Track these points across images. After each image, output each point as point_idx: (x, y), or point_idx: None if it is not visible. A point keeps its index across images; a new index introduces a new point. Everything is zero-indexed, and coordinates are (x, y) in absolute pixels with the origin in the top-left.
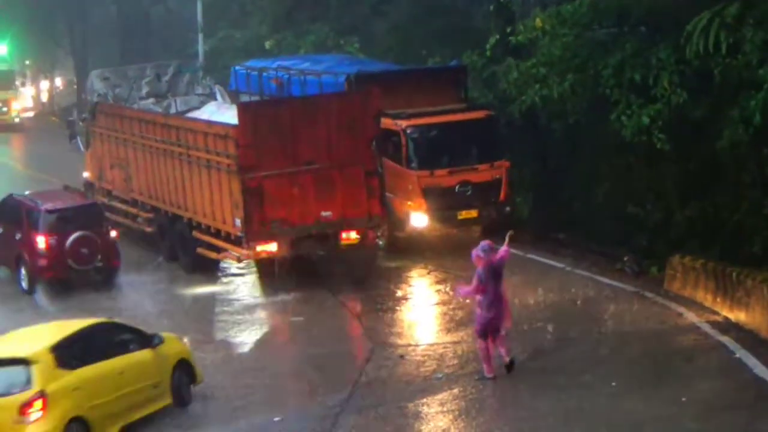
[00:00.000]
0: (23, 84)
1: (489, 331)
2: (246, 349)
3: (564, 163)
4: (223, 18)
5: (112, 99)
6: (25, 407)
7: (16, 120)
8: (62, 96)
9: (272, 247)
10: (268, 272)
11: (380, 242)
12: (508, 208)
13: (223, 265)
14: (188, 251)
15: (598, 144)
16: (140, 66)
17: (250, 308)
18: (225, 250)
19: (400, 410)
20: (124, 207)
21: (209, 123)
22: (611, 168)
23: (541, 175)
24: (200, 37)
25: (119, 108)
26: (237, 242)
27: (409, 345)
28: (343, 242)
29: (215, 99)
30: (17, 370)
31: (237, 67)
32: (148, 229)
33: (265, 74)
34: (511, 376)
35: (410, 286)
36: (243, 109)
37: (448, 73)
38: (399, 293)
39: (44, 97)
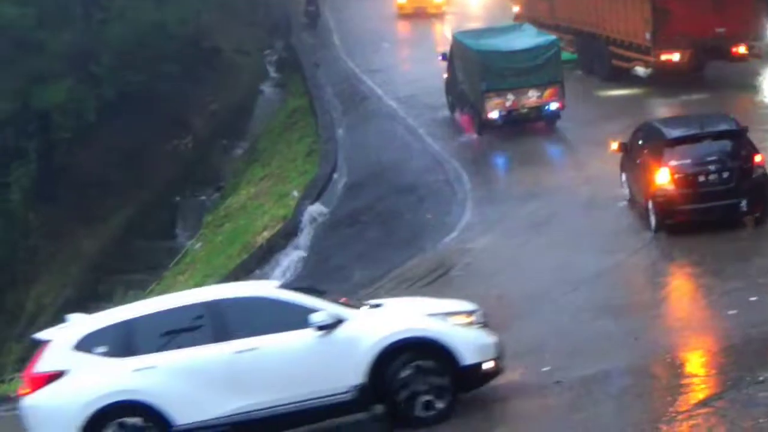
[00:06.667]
0: None
1: None
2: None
3: None
4: None
5: None
6: None
7: None
8: None
9: (675, 56)
10: None
11: None
12: None
13: None
14: (604, 63)
15: None
16: None
17: None
18: (635, 60)
19: None
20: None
21: None
22: None
23: None
24: None
25: None
26: (645, 52)
27: None
28: (734, 55)
29: None
30: None
31: None
32: (570, 50)
33: None
34: None
35: None
36: None
37: None
38: None
39: None
